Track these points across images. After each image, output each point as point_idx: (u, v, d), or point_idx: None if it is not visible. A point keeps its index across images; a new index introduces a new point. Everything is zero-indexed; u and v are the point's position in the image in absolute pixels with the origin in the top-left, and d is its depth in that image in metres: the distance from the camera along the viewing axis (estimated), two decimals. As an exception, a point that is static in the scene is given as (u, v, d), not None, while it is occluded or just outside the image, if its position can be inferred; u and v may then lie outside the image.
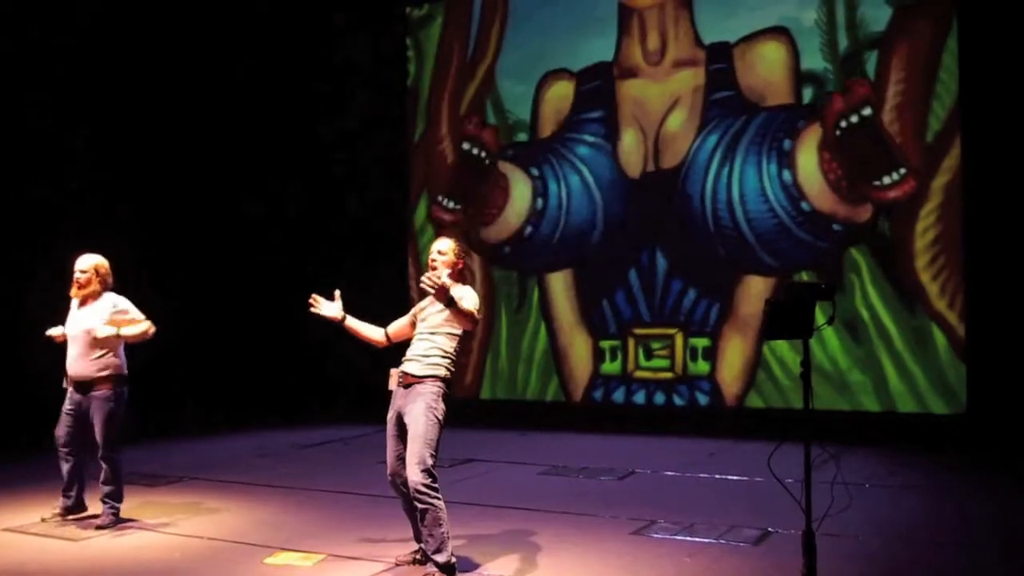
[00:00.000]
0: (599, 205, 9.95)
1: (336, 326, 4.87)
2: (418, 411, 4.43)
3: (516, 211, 10.40)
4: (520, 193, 10.37)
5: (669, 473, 7.24)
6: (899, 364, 8.54)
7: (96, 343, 5.50)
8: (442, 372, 4.55)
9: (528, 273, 10.33)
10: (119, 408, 5.59)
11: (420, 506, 4.35)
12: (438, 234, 10.69)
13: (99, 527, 5.52)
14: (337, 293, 4.94)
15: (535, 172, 10.30)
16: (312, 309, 4.88)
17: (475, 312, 4.51)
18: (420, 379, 4.52)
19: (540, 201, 10.26)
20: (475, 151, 10.66)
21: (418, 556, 4.65)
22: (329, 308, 4.87)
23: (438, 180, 10.90)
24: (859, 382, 8.66)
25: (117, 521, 5.60)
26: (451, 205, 10.80)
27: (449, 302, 4.34)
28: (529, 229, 10.32)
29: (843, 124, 8.80)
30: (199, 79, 11.12)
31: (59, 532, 5.48)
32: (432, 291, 4.29)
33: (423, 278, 4.29)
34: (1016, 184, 8.09)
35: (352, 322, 4.89)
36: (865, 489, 6.33)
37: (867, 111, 8.72)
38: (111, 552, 5.11)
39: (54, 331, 5.69)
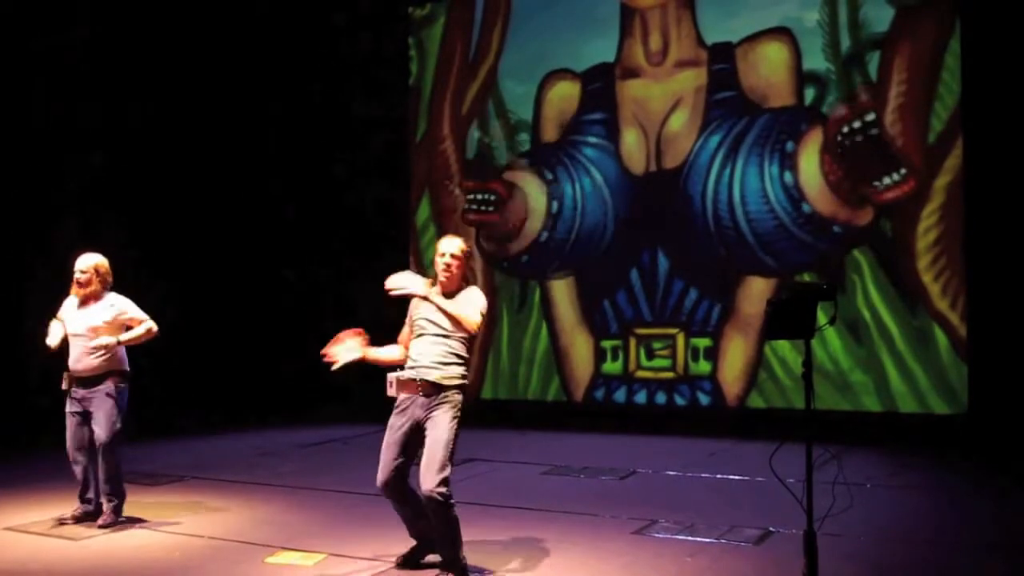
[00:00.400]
0: (601, 206, 9.94)
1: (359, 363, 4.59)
2: (443, 420, 4.32)
3: (534, 220, 10.33)
4: (536, 201, 10.30)
5: (670, 473, 7.23)
6: (901, 364, 8.53)
7: (98, 345, 5.50)
8: (464, 381, 4.46)
9: (535, 276, 10.31)
10: (121, 403, 5.59)
11: (435, 516, 4.25)
12: (440, 234, 10.69)
13: (101, 526, 5.52)
14: (360, 331, 4.64)
15: (549, 176, 10.25)
16: (335, 367, 4.54)
17: (475, 324, 4.40)
18: (444, 388, 4.38)
19: (556, 204, 10.22)
20: (482, 198, 10.62)
21: (416, 554, 4.61)
22: (347, 353, 4.54)
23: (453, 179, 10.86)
24: (861, 382, 8.66)
25: (118, 519, 5.60)
26: (473, 219, 10.72)
27: (451, 319, 4.35)
28: (545, 235, 10.26)
29: (845, 130, 8.79)
30: (199, 79, 11.13)
31: (60, 531, 5.47)
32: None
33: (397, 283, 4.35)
34: (1018, 184, 8.08)
35: (373, 353, 4.63)
36: (866, 489, 6.32)
37: (870, 117, 8.70)
38: (112, 551, 5.11)
39: (52, 341, 5.61)
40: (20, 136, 9.46)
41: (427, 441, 4.32)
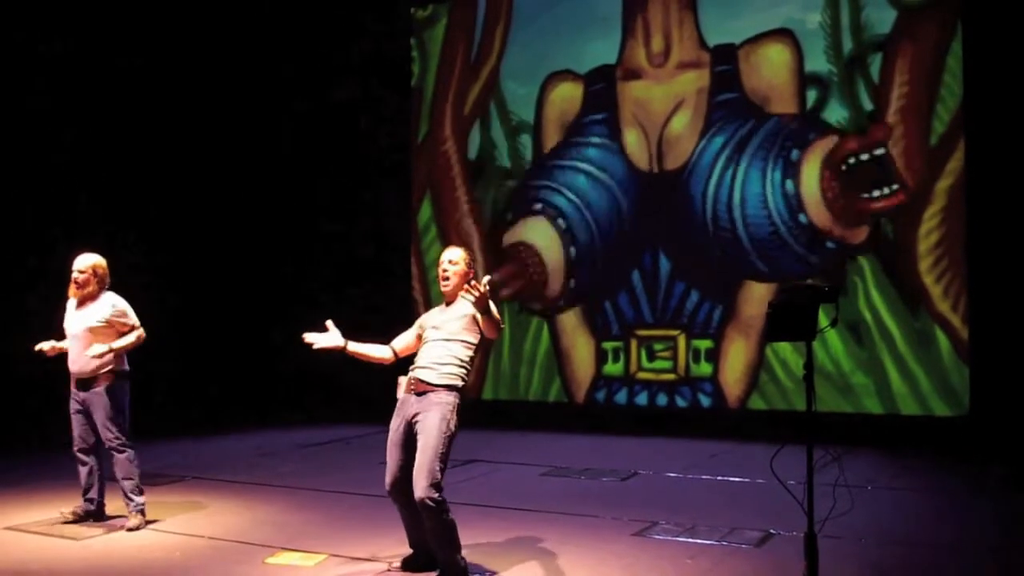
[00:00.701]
0: (603, 208, 9.94)
1: (339, 355, 4.63)
2: (432, 422, 4.29)
3: (556, 274, 10.13)
4: (552, 253, 10.13)
5: (671, 474, 7.23)
6: (902, 366, 8.52)
7: (95, 343, 5.49)
8: (458, 382, 4.43)
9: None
10: (122, 399, 5.59)
11: (428, 521, 4.23)
12: (442, 236, 10.70)
13: (130, 528, 5.50)
14: (329, 323, 4.66)
15: (562, 224, 10.07)
16: (314, 347, 4.59)
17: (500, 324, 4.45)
18: (435, 387, 4.38)
19: (574, 251, 10.03)
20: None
21: (415, 561, 4.59)
22: (327, 339, 4.58)
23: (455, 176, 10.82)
24: (862, 384, 8.65)
25: (144, 517, 5.58)
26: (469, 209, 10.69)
27: (486, 310, 4.27)
28: (573, 282, 10.05)
29: (852, 161, 8.76)
30: (199, 80, 11.14)
31: (61, 531, 5.47)
32: (472, 299, 4.21)
33: (468, 289, 4.23)
34: (1020, 187, 8.08)
35: (355, 347, 4.65)
36: (867, 491, 6.32)
37: (879, 151, 8.66)
38: (113, 551, 5.11)
39: (44, 345, 5.65)
40: (20, 136, 9.46)
41: (418, 446, 4.30)
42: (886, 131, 8.67)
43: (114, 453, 5.52)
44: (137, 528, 5.50)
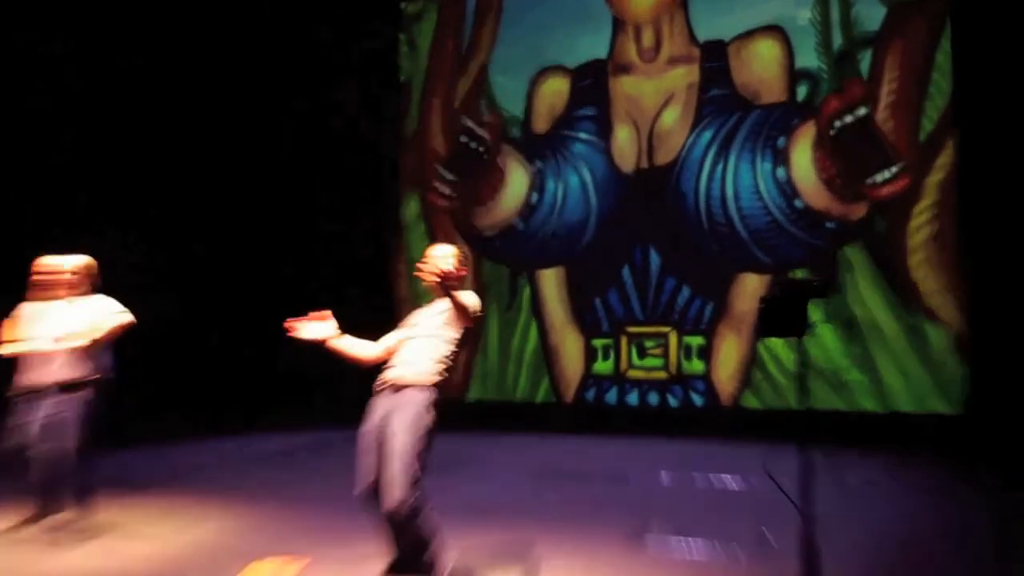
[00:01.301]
0: (592, 202, 9.88)
1: (319, 347, 4.40)
2: (402, 423, 4.08)
3: (509, 202, 10.29)
4: (516, 184, 10.27)
5: (663, 475, 7.16)
6: (897, 363, 8.48)
7: (81, 348, 5.40)
8: (431, 379, 4.24)
9: (519, 269, 10.23)
10: (95, 411, 5.47)
11: (402, 529, 4.04)
12: (429, 231, 10.61)
13: (73, 529, 5.38)
14: (328, 313, 4.47)
15: (538, 164, 10.20)
16: (294, 334, 4.39)
17: (473, 308, 4.25)
18: (405, 385, 4.20)
19: (535, 196, 10.18)
20: (473, 145, 10.57)
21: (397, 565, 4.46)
22: (312, 331, 4.37)
23: (436, 162, 10.78)
24: (856, 381, 8.60)
25: (85, 526, 5.45)
26: (447, 191, 10.67)
27: (446, 293, 4.11)
28: (520, 222, 10.23)
29: (837, 124, 8.75)
30: (199, 80, 11.07)
31: (32, 538, 5.34)
32: (434, 279, 4.07)
33: (419, 266, 4.13)
34: (1010, 181, 8.06)
35: (336, 342, 4.41)
36: (863, 489, 6.27)
37: (862, 111, 8.66)
38: (89, 560, 5.00)
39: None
40: (20, 136, 9.38)
41: (385, 451, 4.08)
42: (862, 85, 8.63)
43: (69, 458, 5.38)
44: (64, 528, 5.37)
